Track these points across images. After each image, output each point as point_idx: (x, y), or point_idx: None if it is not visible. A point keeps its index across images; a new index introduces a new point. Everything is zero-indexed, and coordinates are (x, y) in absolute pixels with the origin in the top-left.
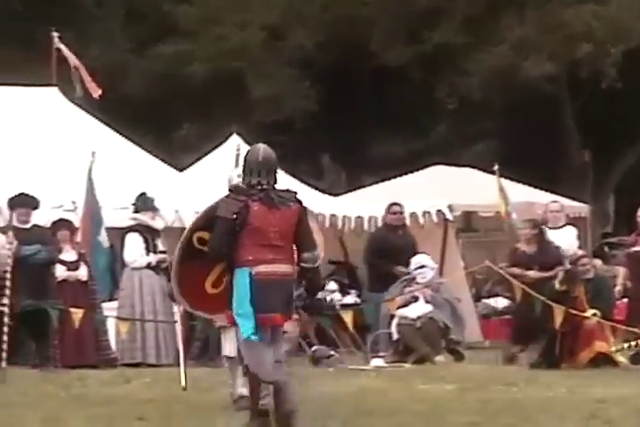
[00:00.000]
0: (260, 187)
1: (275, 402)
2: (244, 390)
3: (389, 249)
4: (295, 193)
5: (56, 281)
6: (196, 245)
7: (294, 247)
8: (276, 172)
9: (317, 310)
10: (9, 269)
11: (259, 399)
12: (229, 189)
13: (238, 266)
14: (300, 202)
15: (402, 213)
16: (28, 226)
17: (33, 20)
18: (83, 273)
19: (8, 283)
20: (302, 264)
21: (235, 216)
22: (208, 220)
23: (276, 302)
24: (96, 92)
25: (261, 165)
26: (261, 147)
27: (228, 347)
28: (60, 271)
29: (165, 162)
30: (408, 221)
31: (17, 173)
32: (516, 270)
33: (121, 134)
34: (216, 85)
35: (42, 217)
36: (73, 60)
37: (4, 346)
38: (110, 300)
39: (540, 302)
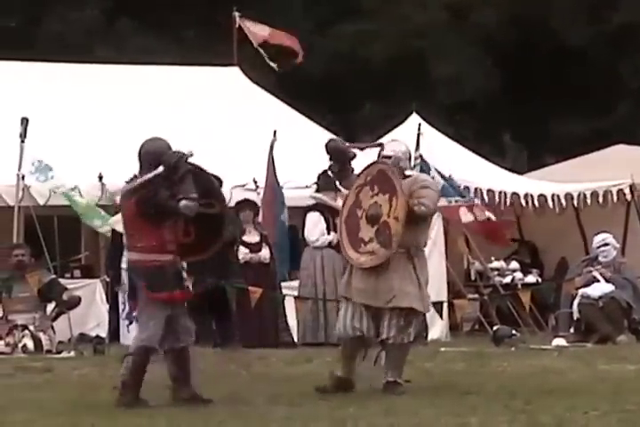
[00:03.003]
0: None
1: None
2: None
3: None
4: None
5: (239, 262)
6: None
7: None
8: (152, 164)
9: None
10: None
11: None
12: None
13: None
14: (137, 195)
15: None
16: None
17: (215, 1)
18: (265, 255)
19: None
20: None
21: None
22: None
23: (134, 286)
24: (298, 54)
25: (141, 159)
26: (146, 140)
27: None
28: (243, 254)
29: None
30: (589, 201)
31: (199, 151)
32: None
33: (302, 113)
34: (397, 65)
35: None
36: (263, 31)
37: None
38: (291, 279)
39: None
